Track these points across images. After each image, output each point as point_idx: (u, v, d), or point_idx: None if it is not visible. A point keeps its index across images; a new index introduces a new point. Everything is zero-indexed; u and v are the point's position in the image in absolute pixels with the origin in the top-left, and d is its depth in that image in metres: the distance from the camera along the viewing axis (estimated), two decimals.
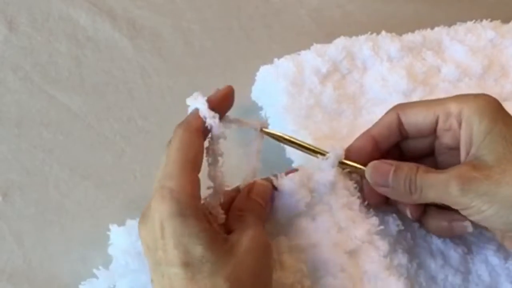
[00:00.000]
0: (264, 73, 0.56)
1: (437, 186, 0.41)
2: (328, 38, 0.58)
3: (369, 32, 0.58)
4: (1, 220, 0.50)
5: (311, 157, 0.46)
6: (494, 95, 0.54)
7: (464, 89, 0.54)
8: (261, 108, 0.56)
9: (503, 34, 0.60)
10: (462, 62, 0.57)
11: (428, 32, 0.60)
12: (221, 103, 0.41)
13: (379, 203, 0.46)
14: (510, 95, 0.55)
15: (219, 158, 0.41)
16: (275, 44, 0.64)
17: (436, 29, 0.60)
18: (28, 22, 0.63)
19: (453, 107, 0.41)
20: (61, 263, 0.48)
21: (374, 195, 0.45)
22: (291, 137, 0.45)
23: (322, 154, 0.45)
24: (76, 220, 0.50)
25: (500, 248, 0.46)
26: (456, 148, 0.43)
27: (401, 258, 0.44)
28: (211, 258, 0.35)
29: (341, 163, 0.45)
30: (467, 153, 0.41)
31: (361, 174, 0.45)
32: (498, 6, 0.69)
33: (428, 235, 0.47)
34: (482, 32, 0.60)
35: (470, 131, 0.40)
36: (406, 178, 0.42)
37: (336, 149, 0.45)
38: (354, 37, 0.58)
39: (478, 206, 0.39)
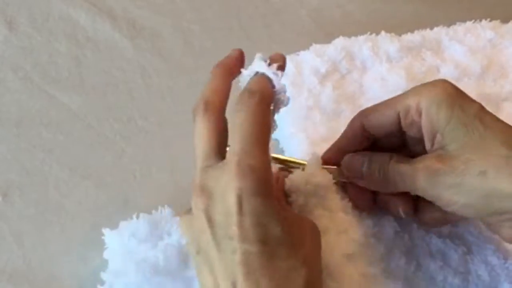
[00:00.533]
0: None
1: (406, 177, 0.41)
2: (328, 38, 0.58)
3: (369, 33, 0.58)
4: (1, 220, 0.50)
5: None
6: (493, 95, 0.54)
7: (463, 89, 0.54)
8: None
9: (502, 34, 0.60)
10: (461, 62, 0.57)
11: (427, 32, 0.60)
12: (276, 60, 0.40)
13: (367, 205, 0.46)
14: (509, 95, 0.55)
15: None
16: (275, 44, 0.64)
17: (436, 29, 0.60)
18: (28, 22, 0.63)
19: (411, 101, 0.41)
20: (61, 263, 0.47)
21: (360, 196, 0.45)
22: (275, 156, 0.45)
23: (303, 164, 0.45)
24: (76, 220, 0.50)
25: (500, 247, 0.46)
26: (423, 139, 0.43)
27: (399, 260, 0.44)
28: (288, 240, 0.35)
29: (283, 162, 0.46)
30: (432, 144, 0.41)
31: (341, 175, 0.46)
32: (498, 6, 0.69)
33: (427, 235, 0.46)
34: (482, 32, 0.60)
35: (430, 122, 0.40)
36: (380, 169, 0.42)
37: (312, 157, 0.45)
38: (353, 37, 0.58)
39: (448, 198, 0.40)
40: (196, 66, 0.62)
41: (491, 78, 0.57)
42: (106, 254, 0.45)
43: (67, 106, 0.57)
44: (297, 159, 0.46)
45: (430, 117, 0.40)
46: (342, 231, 0.43)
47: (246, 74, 0.39)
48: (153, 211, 0.46)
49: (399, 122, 0.42)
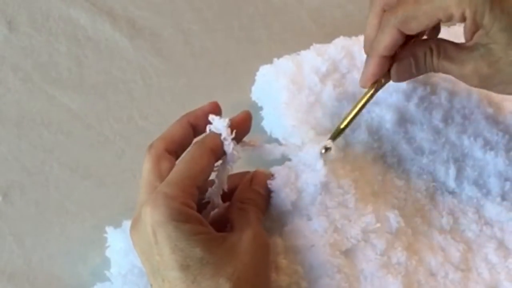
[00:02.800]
0: (264, 72, 0.56)
1: (455, 75, 0.45)
2: (328, 38, 0.58)
3: None
4: (1, 220, 0.50)
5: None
6: (493, 95, 0.54)
7: (464, 88, 0.54)
8: (261, 108, 0.56)
9: None
10: None
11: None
12: (240, 128, 0.42)
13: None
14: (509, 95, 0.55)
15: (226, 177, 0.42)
16: (275, 44, 0.64)
17: None
18: (28, 22, 0.63)
19: (455, 11, 0.42)
20: (61, 263, 0.48)
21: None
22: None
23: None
24: (76, 220, 0.50)
25: (500, 246, 0.46)
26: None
27: (400, 256, 0.44)
28: (212, 259, 0.36)
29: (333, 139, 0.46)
30: (471, 37, 0.43)
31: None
32: None
33: (429, 230, 0.46)
34: None
35: (475, 26, 0.42)
36: (426, 67, 0.45)
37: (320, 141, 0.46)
38: (354, 37, 0.58)
39: (496, 91, 0.45)
40: (196, 66, 0.62)
41: None
42: (108, 253, 0.45)
43: (67, 106, 0.57)
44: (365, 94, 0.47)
45: (475, 23, 0.42)
46: (339, 228, 0.43)
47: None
48: None
49: (439, 22, 0.44)
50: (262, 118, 0.56)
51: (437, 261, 0.45)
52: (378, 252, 0.44)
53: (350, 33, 0.58)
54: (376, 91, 0.47)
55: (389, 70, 0.47)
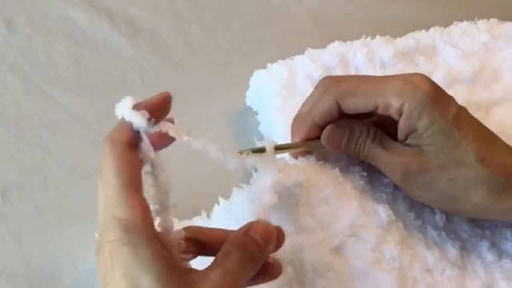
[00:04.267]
0: (257, 77, 0.56)
1: (381, 165, 0.44)
2: (328, 38, 0.58)
3: (364, 36, 0.58)
4: (0, 220, 0.49)
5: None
6: (483, 101, 0.55)
7: (453, 96, 0.54)
8: (256, 113, 0.56)
9: (498, 36, 0.60)
10: (453, 68, 0.57)
11: (422, 35, 0.59)
12: (156, 107, 0.36)
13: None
14: (499, 100, 0.55)
15: (161, 173, 0.35)
16: (275, 44, 0.64)
17: (431, 30, 0.60)
18: (27, 23, 0.63)
19: (394, 101, 0.42)
20: (60, 263, 0.47)
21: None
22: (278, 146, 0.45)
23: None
24: (75, 220, 0.50)
25: (494, 245, 0.46)
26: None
27: (393, 250, 0.44)
28: None
29: (278, 149, 0.45)
30: (405, 138, 0.43)
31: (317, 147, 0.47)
32: (496, 6, 0.69)
33: (423, 226, 0.46)
34: (477, 35, 0.59)
35: (410, 124, 0.42)
36: (357, 144, 0.45)
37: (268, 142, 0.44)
38: (349, 42, 0.57)
39: (417, 192, 0.44)
40: (196, 66, 0.62)
41: (482, 83, 0.56)
42: None
43: (66, 106, 0.57)
44: (294, 143, 0.47)
45: (410, 120, 0.42)
46: (326, 225, 0.43)
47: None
48: None
49: (376, 109, 0.43)
50: (259, 122, 0.56)
51: (434, 256, 0.45)
52: (370, 247, 0.43)
53: (349, 34, 0.59)
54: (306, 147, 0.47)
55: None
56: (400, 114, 0.42)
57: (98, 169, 0.50)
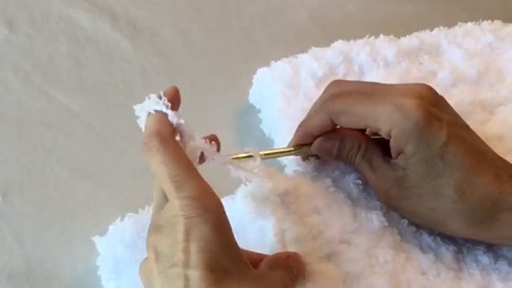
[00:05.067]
0: (261, 75, 0.56)
1: (370, 182, 0.46)
2: (329, 38, 0.58)
3: (367, 36, 0.58)
4: (1, 220, 0.50)
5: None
6: (488, 101, 0.54)
7: (457, 96, 0.54)
8: (259, 111, 0.56)
9: (502, 38, 0.60)
10: (458, 67, 0.57)
11: (426, 35, 0.59)
12: (174, 101, 0.40)
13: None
14: (504, 100, 0.55)
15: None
16: (275, 44, 0.64)
17: (435, 30, 0.60)
18: (28, 23, 0.63)
19: (383, 126, 0.42)
20: (61, 263, 0.48)
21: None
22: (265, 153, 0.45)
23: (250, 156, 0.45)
24: (76, 220, 0.50)
25: (490, 249, 0.46)
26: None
27: (387, 255, 0.44)
28: (236, 274, 0.35)
29: (265, 155, 0.45)
30: (396, 156, 0.43)
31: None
32: (500, 7, 0.69)
33: (417, 232, 0.46)
34: (481, 35, 0.59)
35: (398, 148, 0.42)
36: (348, 156, 0.45)
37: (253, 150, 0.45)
38: (352, 41, 0.57)
39: (400, 214, 0.46)
40: (196, 66, 0.62)
41: (487, 83, 0.56)
42: (98, 261, 0.45)
43: (67, 106, 0.57)
44: (284, 148, 0.47)
45: (398, 144, 0.42)
46: (316, 234, 0.43)
47: (140, 111, 0.39)
48: (140, 210, 0.47)
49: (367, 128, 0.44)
50: (261, 120, 0.56)
51: (429, 260, 0.45)
52: (362, 252, 0.43)
53: (350, 34, 0.58)
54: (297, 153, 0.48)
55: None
56: (389, 137, 0.42)
57: (97, 168, 0.50)
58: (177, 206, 0.35)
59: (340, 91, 0.45)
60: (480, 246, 0.46)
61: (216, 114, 0.58)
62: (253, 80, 0.56)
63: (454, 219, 0.42)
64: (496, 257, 0.46)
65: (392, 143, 0.42)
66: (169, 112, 0.38)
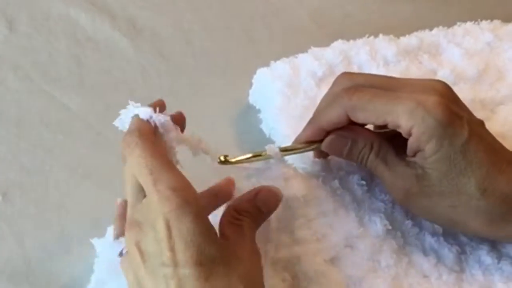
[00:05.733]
0: (261, 75, 0.56)
1: (383, 181, 0.44)
2: (329, 38, 0.58)
3: (367, 35, 0.58)
4: (1, 220, 0.50)
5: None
6: (488, 100, 0.54)
7: (458, 94, 0.54)
8: (259, 111, 0.56)
9: (501, 37, 0.60)
10: (458, 66, 0.57)
11: (426, 35, 0.60)
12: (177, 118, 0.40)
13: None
14: (505, 99, 0.55)
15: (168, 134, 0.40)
16: (275, 44, 0.64)
17: (434, 30, 0.60)
18: (28, 22, 0.63)
19: (403, 122, 0.41)
20: (61, 263, 0.48)
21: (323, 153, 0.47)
22: (248, 156, 0.44)
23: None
24: (76, 220, 0.50)
25: (493, 248, 0.46)
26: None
27: (389, 259, 0.44)
28: (223, 259, 0.35)
29: (283, 150, 0.44)
30: (413, 155, 0.42)
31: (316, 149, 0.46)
32: (499, 7, 0.69)
33: (421, 233, 0.46)
34: (480, 35, 0.59)
35: (418, 146, 0.41)
36: (359, 156, 0.44)
37: (271, 146, 0.44)
38: (351, 41, 0.57)
39: (417, 212, 0.45)
40: (196, 66, 0.62)
41: (488, 82, 0.56)
42: (95, 265, 0.45)
43: (67, 106, 0.57)
44: (295, 145, 0.46)
45: (418, 142, 0.41)
46: (321, 238, 0.43)
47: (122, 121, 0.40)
48: None
49: (386, 125, 0.43)
50: (261, 120, 0.56)
51: (430, 263, 0.45)
52: (365, 257, 0.43)
53: (350, 33, 0.59)
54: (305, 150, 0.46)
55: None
56: (410, 135, 0.41)
57: (97, 168, 0.51)
58: (155, 199, 0.35)
59: (354, 85, 0.44)
60: (484, 246, 0.46)
61: (216, 114, 0.58)
62: (253, 80, 0.56)
63: (475, 217, 0.41)
64: (500, 256, 0.46)
65: (411, 141, 0.41)
66: (147, 113, 0.39)
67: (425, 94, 0.41)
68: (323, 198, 0.45)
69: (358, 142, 0.44)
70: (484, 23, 0.61)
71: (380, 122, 0.42)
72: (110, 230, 0.46)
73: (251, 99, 0.57)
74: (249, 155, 0.43)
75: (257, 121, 0.56)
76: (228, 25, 0.66)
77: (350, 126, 0.44)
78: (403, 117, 0.41)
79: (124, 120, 0.40)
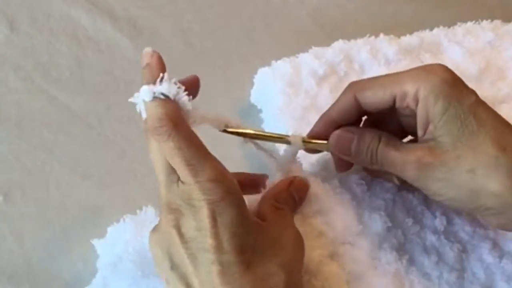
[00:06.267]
0: (262, 75, 0.56)
1: (396, 166, 0.42)
2: (329, 38, 0.58)
3: (368, 35, 0.58)
4: (1, 220, 0.50)
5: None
6: (489, 98, 0.54)
7: None
8: (260, 111, 0.56)
9: (502, 36, 0.60)
10: (459, 65, 0.57)
11: (426, 34, 0.60)
12: (191, 87, 0.39)
13: (348, 169, 0.47)
14: (506, 97, 0.55)
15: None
16: (275, 44, 0.64)
17: (435, 30, 0.60)
18: (29, 23, 0.63)
19: (410, 87, 0.40)
20: (61, 263, 0.48)
21: (342, 163, 0.46)
22: (256, 131, 0.44)
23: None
24: (76, 220, 0.50)
25: (495, 246, 0.46)
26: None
27: (389, 256, 0.44)
28: (260, 248, 0.36)
29: (305, 142, 0.45)
30: (424, 132, 0.41)
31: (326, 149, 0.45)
32: (499, 7, 0.69)
33: (422, 231, 0.46)
34: (481, 34, 0.60)
35: (426, 112, 0.40)
36: (368, 150, 0.43)
37: (295, 133, 0.45)
38: (352, 40, 0.58)
39: (436, 190, 0.41)
40: (196, 66, 0.62)
41: (489, 81, 0.56)
42: (98, 264, 0.46)
43: (68, 106, 0.57)
44: (282, 134, 0.45)
45: (426, 107, 0.40)
46: (318, 235, 0.43)
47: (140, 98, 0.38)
48: (138, 211, 0.47)
49: (394, 103, 0.42)
50: (262, 120, 0.56)
51: (431, 261, 0.45)
52: (365, 254, 0.44)
53: (350, 33, 0.59)
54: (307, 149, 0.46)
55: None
56: (417, 102, 0.41)
57: (97, 168, 0.51)
58: (197, 190, 0.35)
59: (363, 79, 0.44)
60: (486, 244, 0.46)
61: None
62: (254, 80, 0.57)
63: (496, 178, 0.39)
64: (502, 255, 0.46)
65: (420, 112, 0.41)
66: (177, 93, 0.37)
67: (428, 66, 0.41)
68: (321, 196, 0.45)
69: (365, 136, 0.43)
70: (485, 23, 0.61)
71: (387, 96, 0.41)
72: (111, 230, 0.46)
73: (253, 99, 0.57)
74: (272, 134, 0.44)
75: (259, 121, 0.56)
76: (228, 25, 0.66)
77: (356, 125, 0.45)
78: (408, 82, 0.40)
79: (144, 96, 0.37)
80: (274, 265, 0.36)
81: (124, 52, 0.62)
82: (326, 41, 0.58)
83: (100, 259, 0.46)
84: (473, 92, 0.41)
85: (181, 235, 0.36)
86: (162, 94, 0.37)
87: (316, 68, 0.54)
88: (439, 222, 0.47)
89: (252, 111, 0.57)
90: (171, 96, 0.37)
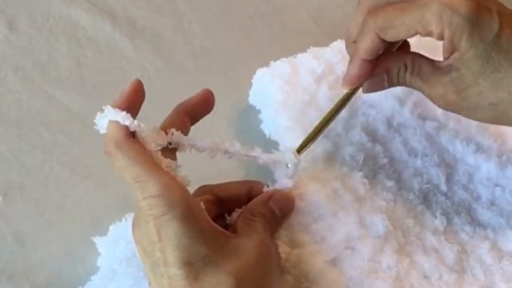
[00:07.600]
0: (260, 75, 0.56)
1: (424, 94, 0.45)
2: (329, 38, 0.58)
3: None
4: (1, 220, 0.50)
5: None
6: None
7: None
8: (259, 111, 0.56)
9: None
10: None
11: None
12: (130, 101, 0.40)
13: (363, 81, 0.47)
14: None
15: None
16: (275, 44, 0.64)
17: None
18: (28, 22, 0.63)
19: (434, 28, 0.40)
20: (61, 263, 0.48)
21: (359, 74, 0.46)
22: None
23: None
24: (76, 220, 0.50)
25: (494, 248, 0.46)
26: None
27: (390, 260, 0.44)
28: (215, 257, 0.36)
29: (298, 151, 0.46)
30: (449, 56, 0.42)
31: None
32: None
33: (422, 232, 0.46)
34: None
35: (451, 46, 0.41)
36: (399, 81, 0.45)
37: (286, 149, 0.45)
38: None
39: (463, 114, 0.44)
40: (196, 66, 0.62)
41: None
42: (99, 261, 0.46)
43: (68, 106, 0.57)
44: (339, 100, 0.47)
45: (452, 43, 0.41)
46: (320, 240, 0.43)
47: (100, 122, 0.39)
48: None
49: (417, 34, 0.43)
50: (261, 121, 0.56)
51: (431, 263, 0.45)
52: (366, 258, 0.44)
53: None
54: (347, 100, 0.47)
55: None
56: (442, 39, 0.41)
57: (97, 168, 0.51)
58: (144, 206, 0.36)
59: (376, 4, 0.44)
60: (485, 244, 0.46)
61: (216, 115, 0.57)
62: (253, 81, 0.56)
63: None
64: (501, 255, 0.46)
65: (445, 44, 0.41)
66: (123, 119, 0.38)
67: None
68: (322, 202, 0.45)
69: (391, 71, 0.45)
70: None
71: (411, 34, 0.42)
72: (112, 229, 0.46)
73: (251, 100, 0.57)
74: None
75: (257, 122, 0.56)
76: (228, 25, 0.66)
77: (380, 58, 0.45)
78: (432, 22, 0.40)
79: (102, 125, 0.39)
80: (223, 274, 0.36)
81: (124, 52, 0.62)
82: (326, 41, 0.57)
83: (101, 257, 0.45)
84: (496, 20, 0.40)
85: (143, 248, 0.38)
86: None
87: (314, 67, 0.54)
88: (439, 223, 0.47)
89: (251, 112, 0.57)
90: (120, 120, 0.38)
